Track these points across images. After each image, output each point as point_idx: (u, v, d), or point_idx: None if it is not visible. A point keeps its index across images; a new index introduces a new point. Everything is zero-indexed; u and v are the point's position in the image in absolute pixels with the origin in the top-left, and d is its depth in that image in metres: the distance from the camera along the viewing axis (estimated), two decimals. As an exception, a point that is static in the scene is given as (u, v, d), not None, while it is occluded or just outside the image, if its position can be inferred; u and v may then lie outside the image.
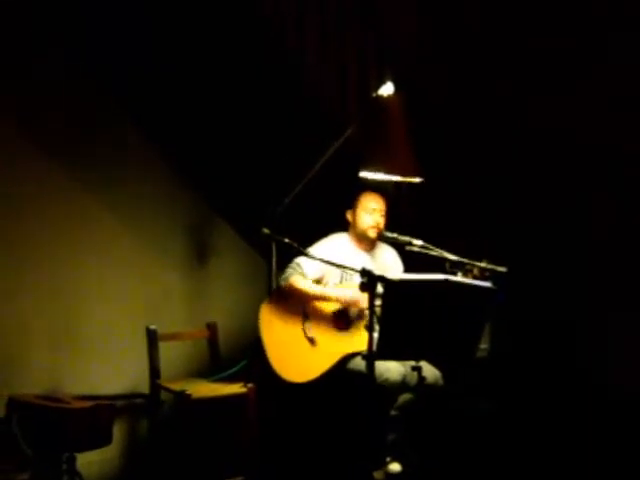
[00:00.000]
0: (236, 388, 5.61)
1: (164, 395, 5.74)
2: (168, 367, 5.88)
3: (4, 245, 5.55)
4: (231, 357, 6.02)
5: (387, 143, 5.04)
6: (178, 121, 6.26)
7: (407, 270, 5.63)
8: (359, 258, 5.49)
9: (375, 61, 6.20)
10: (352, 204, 5.65)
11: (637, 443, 5.65)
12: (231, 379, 5.73)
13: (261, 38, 5.79)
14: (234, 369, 5.74)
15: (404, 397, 5.24)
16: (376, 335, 4.32)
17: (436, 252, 5.17)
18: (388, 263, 5.66)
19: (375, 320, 4.34)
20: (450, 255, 5.11)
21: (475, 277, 4.97)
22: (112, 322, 6.01)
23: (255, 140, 6.22)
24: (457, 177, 6.44)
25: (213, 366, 6.02)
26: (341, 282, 5.49)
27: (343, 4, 6.10)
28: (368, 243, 5.64)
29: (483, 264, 5.02)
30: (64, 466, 5.23)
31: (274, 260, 4.94)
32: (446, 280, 4.35)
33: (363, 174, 5.11)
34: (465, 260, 5.06)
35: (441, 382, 5.32)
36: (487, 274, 4.98)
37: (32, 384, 5.54)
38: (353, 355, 5.29)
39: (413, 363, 4.68)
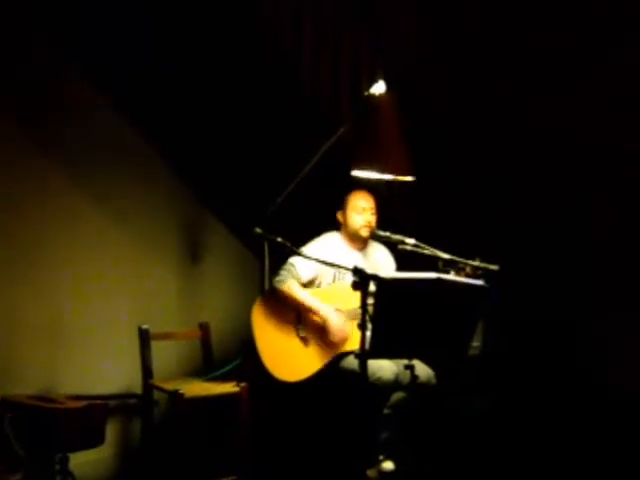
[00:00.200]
0: (229, 387, 5.59)
1: (157, 395, 5.74)
2: (161, 367, 5.86)
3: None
4: (224, 356, 6.00)
5: (379, 142, 5.04)
6: (174, 120, 6.27)
7: (400, 269, 5.62)
8: (351, 257, 5.49)
9: (370, 61, 6.18)
10: (341, 204, 5.64)
11: (637, 443, 5.62)
12: (224, 378, 5.70)
13: (259, 38, 5.79)
14: (227, 368, 5.71)
15: (397, 395, 5.25)
16: (369, 334, 4.31)
17: (429, 251, 5.17)
18: (380, 262, 5.66)
19: (368, 319, 4.32)
20: (442, 253, 5.10)
21: (468, 275, 4.97)
22: (105, 322, 5.99)
23: (249, 139, 6.24)
24: (457, 177, 6.43)
25: (206, 365, 6.00)
26: (334, 281, 5.50)
27: (342, 3, 6.09)
28: (360, 242, 5.63)
29: (476, 262, 5.02)
30: (57, 466, 5.22)
31: (267, 260, 4.93)
32: (438, 278, 4.34)
33: (355, 173, 5.10)
34: (458, 258, 5.06)
35: (434, 380, 5.32)
36: (479, 272, 4.98)
37: (25, 384, 5.51)
38: (346, 354, 5.29)
39: (406, 361, 4.64)
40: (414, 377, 4.65)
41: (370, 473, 5.14)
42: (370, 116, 5.04)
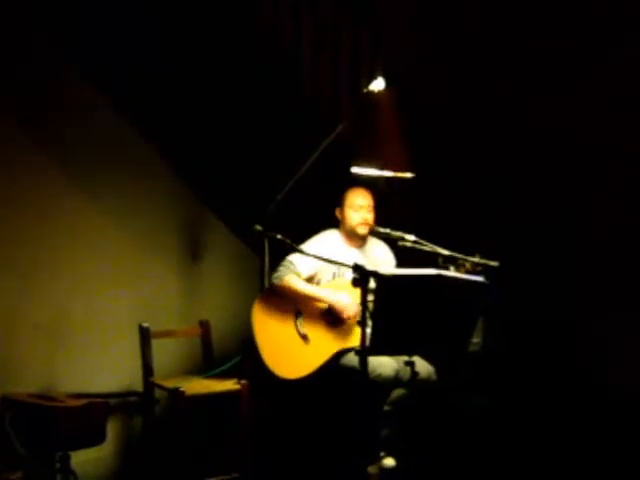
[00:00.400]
0: (229, 385, 5.59)
1: (158, 392, 5.74)
2: (161, 365, 5.87)
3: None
4: (224, 354, 6.00)
5: (378, 138, 5.01)
6: (174, 120, 6.27)
7: (400, 265, 5.61)
8: (350, 254, 5.49)
9: (370, 61, 6.18)
10: (339, 202, 5.65)
11: (637, 443, 5.61)
12: (224, 376, 5.69)
13: (258, 37, 5.79)
14: (227, 366, 5.70)
15: (397, 392, 5.23)
16: (369, 330, 4.30)
17: (428, 247, 5.16)
18: (380, 258, 5.65)
19: (368, 315, 4.32)
20: (442, 250, 5.10)
21: (467, 272, 4.96)
22: (105, 320, 6.00)
23: (249, 139, 6.23)
24: (457, 176, 6.43)
25: (206, 363, 6.00)
26: (334, 279, 5.49)
27: (342, 3, 6.10)
28: (359, 239, 5.63)
29: (476, 259, 5.01)
30: (57, 465, 5.22)
31: (267, 257, 4.92)
32: (439, 275, 4.34)
33: (355, 170, 5.10)
34: (458, 255, 5.05)
35: (434, 377, 5.32)
36: (479, 269, 4.97)
37: (25, 382, 5.52)
38: (346, 351, 5.29)
39: (406, 358, 4.64)
40: (414, 374, 4.64)
41: (371, 470, 5.11)
42: (369, 113, 5.03)
